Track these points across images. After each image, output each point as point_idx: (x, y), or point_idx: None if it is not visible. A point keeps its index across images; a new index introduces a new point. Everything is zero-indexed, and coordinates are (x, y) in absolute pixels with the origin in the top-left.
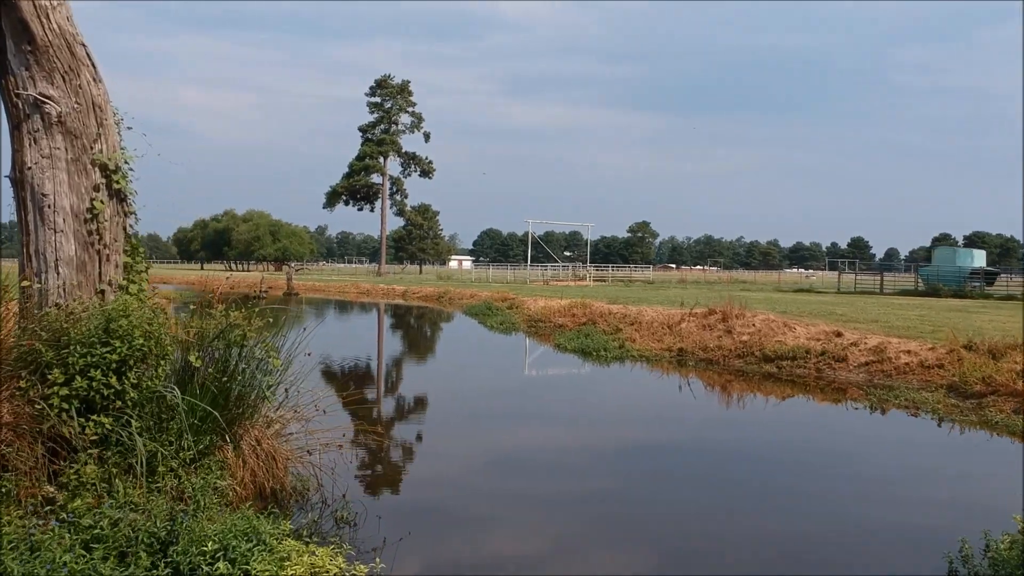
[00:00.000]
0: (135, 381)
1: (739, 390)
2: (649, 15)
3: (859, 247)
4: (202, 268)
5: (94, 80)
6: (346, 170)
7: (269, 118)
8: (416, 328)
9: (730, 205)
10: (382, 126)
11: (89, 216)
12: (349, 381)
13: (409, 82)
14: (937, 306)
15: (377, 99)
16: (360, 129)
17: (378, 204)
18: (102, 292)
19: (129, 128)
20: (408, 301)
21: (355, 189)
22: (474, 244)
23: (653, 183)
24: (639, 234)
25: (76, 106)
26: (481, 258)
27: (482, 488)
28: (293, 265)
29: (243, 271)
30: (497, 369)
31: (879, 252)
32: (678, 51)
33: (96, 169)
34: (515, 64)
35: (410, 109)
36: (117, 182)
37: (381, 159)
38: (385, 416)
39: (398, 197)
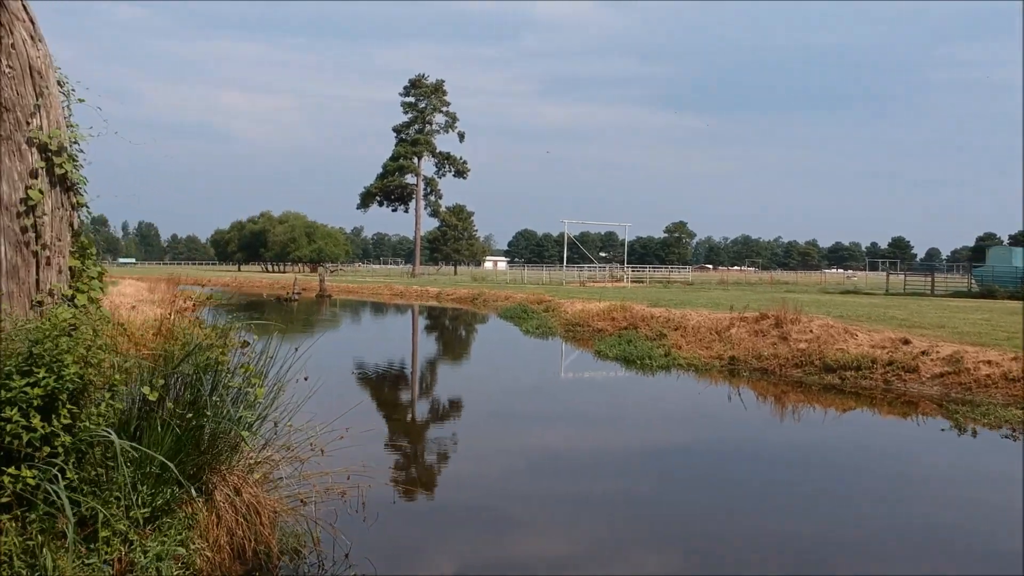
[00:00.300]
0: (68, 422)
1: (803, 403)
2: (686, 14)
3: (900, 247)
4: (239, 270)
5: (32, 39)
6: (380, 171)
7: (306, 121)
8: (448, 332)
9: (767, 205)
10: (416, 126)
11: (23, 209)
12: (371, 393)
13: (443, 81)
14: (998, 309)
15: (411, 99)
16: (394, 129)
17: (412, 205)
18: (40, 304)
19: (81, 101)
20: (442, 303)
21: (389, 190)
22: (509, 245)
23: (689, 183)
24: (676, 234)
25: (7, 70)
26: (516, 259)
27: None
28: (328, 266)
29: (279, 273)
30: (532, 382)
31: (920, 252)
32: (714, 50)
33: (34, 150)
34: (549, 64)
35: (444, 109)
36: (61, 166)
37: (415, 159)
38: (408, 443)
39: (432, 198)
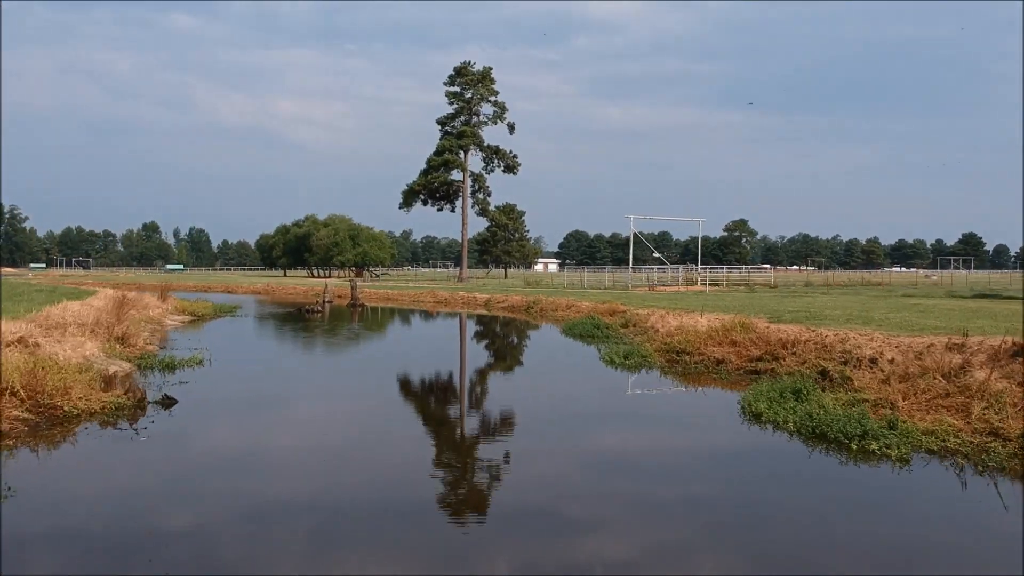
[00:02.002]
0: None
1: None
2: (743, 12)
3: (971, 243)
4: (285, 275)
5: None
6: (423, 166)
7: (360, 126)
8: (499, 359)
9: (823, 202)
10: (462, 117)
11: None
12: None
13: (491, 69)
14: None
15: (456, 88)
16: (438, 122)
17: (459, 203)
18: None
19: None
20: (491, 311)
21: (434, 188)
22: (560, 247)
23: (743, 181)
24: (736, 233)
25: None
26: (567, 260)
27: None
28: (373, 271)
29: (323, 278)
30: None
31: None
32: (770, 48)
33: None
34: (601, 65)
35: (492, 98)
36: None
37: (461, 153)
38: None
39: (480, 195)
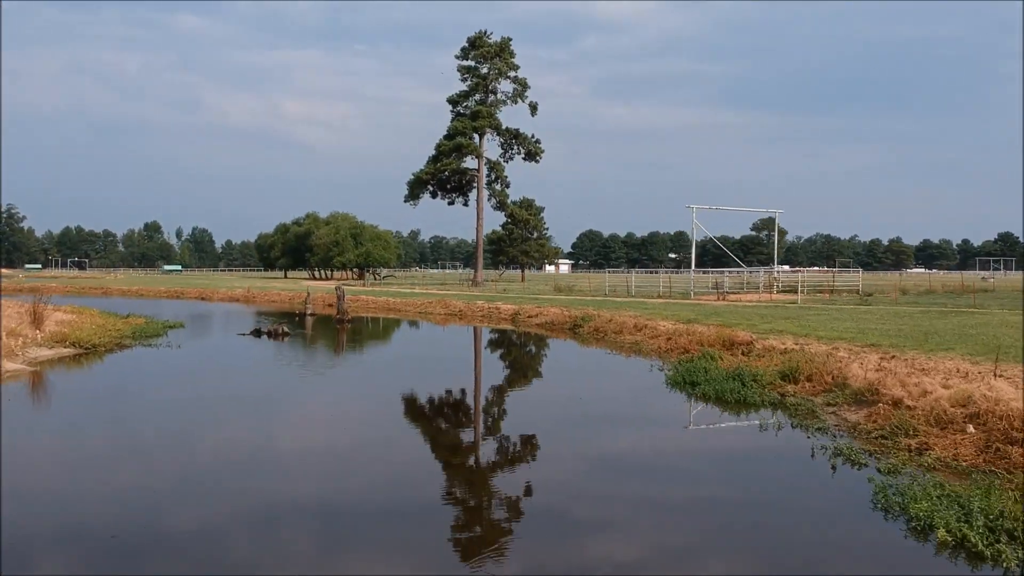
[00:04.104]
0: None
1: None
2: (751, 12)
3: (1008, 242)
4: (285, 276)
5: None
6: (432, 152)
7: (366, 126)
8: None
9: (831, 202)
10: (477, 96)
11: None
12: None
13: (510, 40)
14: None
15: (470, 62)
16: (449, 100)
17: (472, 196)
18: None
19: None
20: (521, 328)
21: (444, 177)
22: (573, 247)
23: (744, 181)
24: (764, 232)
25: None
26: (580, 261)
27: None
28: (378, 272)
29: (325, 280)
30: None
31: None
32: (776, 48)
33: None
34: (609, 65)
35: (511, 74)
36: None
37: (476, 137)
38: None
39: (497, 186)
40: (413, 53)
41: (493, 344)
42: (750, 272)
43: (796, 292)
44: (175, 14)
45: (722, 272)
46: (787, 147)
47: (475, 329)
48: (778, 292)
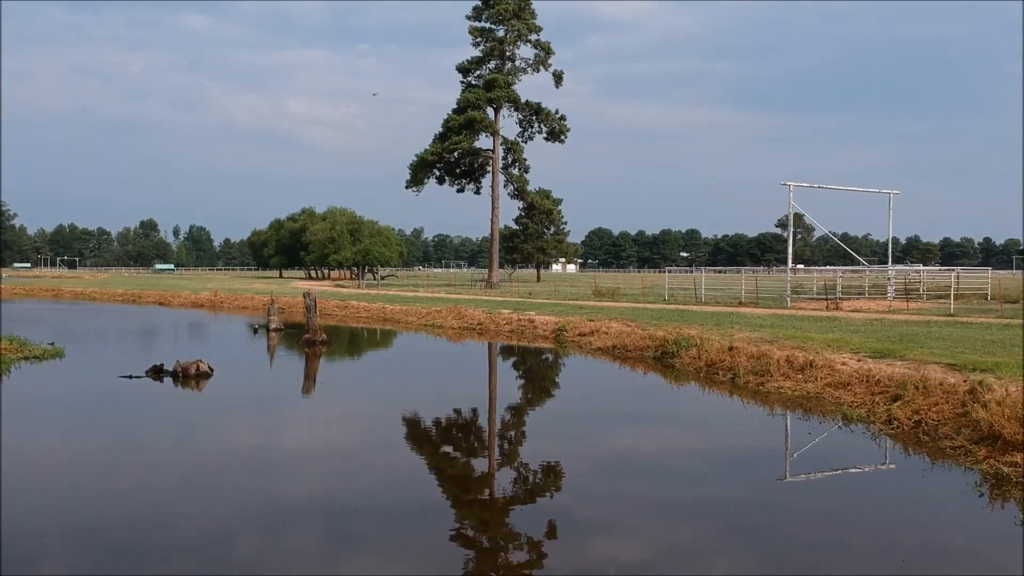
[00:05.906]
0: None
1: None
2: (754, 12)
3: None
4: (280, 276)
5: None
6: (439, 130)
7: (371, 126)
8: None
9: (849, 201)
10: (492, 63)
11: None
12: None
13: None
14: None
15: (484, 23)
16: (459, 69)
17: (486, 181)
18: None
19: None
20: (573, 351)
21: (452, 160)
22: (581, 245)
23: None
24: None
25: None
26: (590, 260)
27: None
28: (380, 272)
29: (320, 280)
30: None
31: None
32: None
33: None
34: (612, 65)
35: (533, 37)
36: None
37: (490, 111)
38: None
39: (515, 171)
40: (417, 53)
41: (565, 396)
42: (872, 271)
43: (949, 299)
44: (179, 14)
45: (835, 271)
46: (794, 147)
47: (512, 350)
48: (893, 299)
